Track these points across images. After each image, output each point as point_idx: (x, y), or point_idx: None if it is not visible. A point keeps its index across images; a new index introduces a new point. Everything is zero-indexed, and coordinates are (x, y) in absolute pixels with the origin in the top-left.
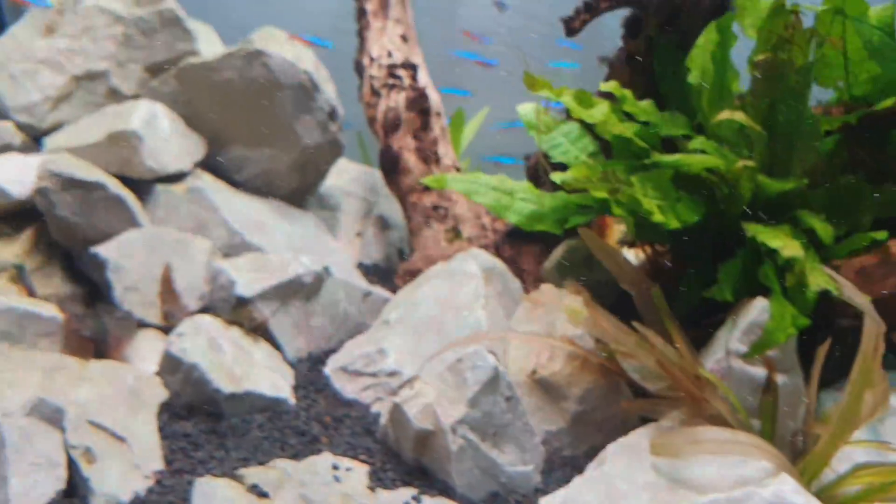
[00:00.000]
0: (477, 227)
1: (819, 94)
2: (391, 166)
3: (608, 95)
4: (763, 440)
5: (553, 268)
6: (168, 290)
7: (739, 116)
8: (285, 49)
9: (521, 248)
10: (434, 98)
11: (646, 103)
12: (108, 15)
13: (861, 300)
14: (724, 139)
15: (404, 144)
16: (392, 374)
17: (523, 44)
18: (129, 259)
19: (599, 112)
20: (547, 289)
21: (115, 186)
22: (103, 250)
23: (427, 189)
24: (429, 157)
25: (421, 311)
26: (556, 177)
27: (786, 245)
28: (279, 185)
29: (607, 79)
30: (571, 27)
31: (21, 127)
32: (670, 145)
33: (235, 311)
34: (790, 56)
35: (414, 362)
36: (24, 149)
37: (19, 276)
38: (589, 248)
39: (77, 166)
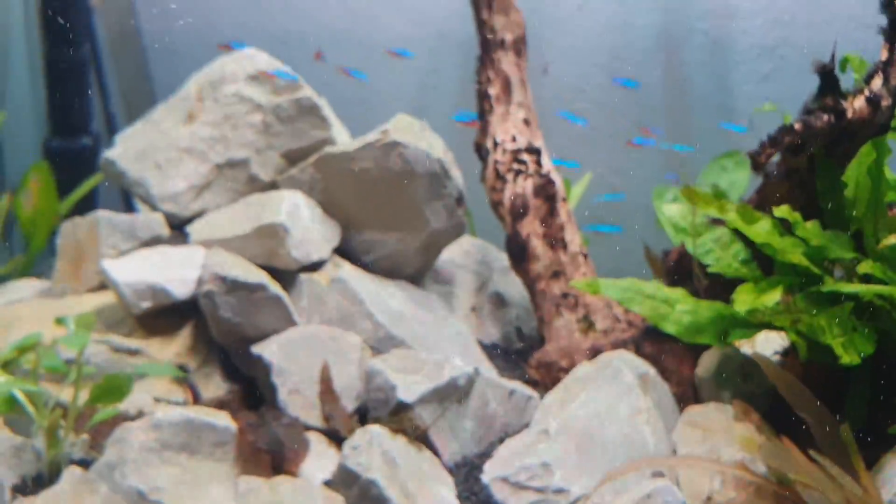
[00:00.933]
0: (609, 319)
1: None
2: (519, 253)
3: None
4: None
5: (709, 378)
6: (327, 390)
7: None
8: (419, 138)
9: (663, 346)
10: (559, 182)
11: (812, 225)
12: (248, 103)
13: None
14: (884, 258)
15: (532, 231)
16: (559, 491)
17: (611, 103)
18: (290, 361)
19: (763, 230)
20: (712, 409)
21: (274, 286)
22: (267, 353)
23: (555, 275)
24: (556, 244)
25: (580, 424)
26: (741, 306)
27: None
28: (404, 267)
29: (760, 190)
30: (758, 162)
31: (166, 216)
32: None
33: (395, 415)
34: None
35: (580, 480)
36: (172, 239)
37: (183, 377)
38: (742, 357)
39: (239, 267)
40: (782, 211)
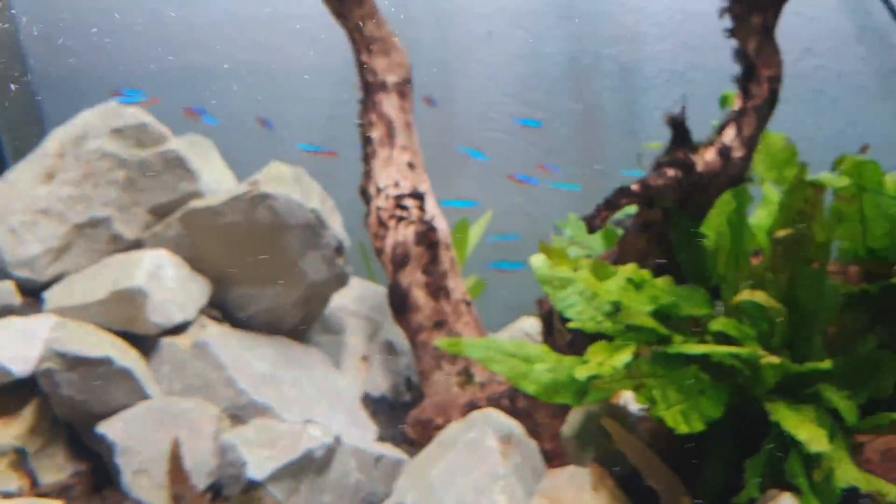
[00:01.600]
0: (489, 371)
1: None
2: (400, 304)
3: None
4: None
5: (572, 437)
6: (176, 469)
7: (759, 297)
8: (291, 188)
9: (538, 399)
10: (442, 229)
11: (663, 282)
12: (111, 159)
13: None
14: (743, 312)
15: (413, 280)
16: None
17: (522, 132)
18: (136, 439)
19: (616, 286)
20: (567, 475)
21: (122, 358)
22: (110, 432)
23: (437, 326)
24: (438, 293)
25: (436, 495)
26: (581, 373)
27: (812, 437)
28: (284, 321)
29: (620, 243)
30: (593, 225)
31: (20, 283)
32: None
33: (246, 493)
34: (810, 231)
35: None
36: (24, 307)
37: (20, 461)
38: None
39: (82, 341)
40: (628, 270)
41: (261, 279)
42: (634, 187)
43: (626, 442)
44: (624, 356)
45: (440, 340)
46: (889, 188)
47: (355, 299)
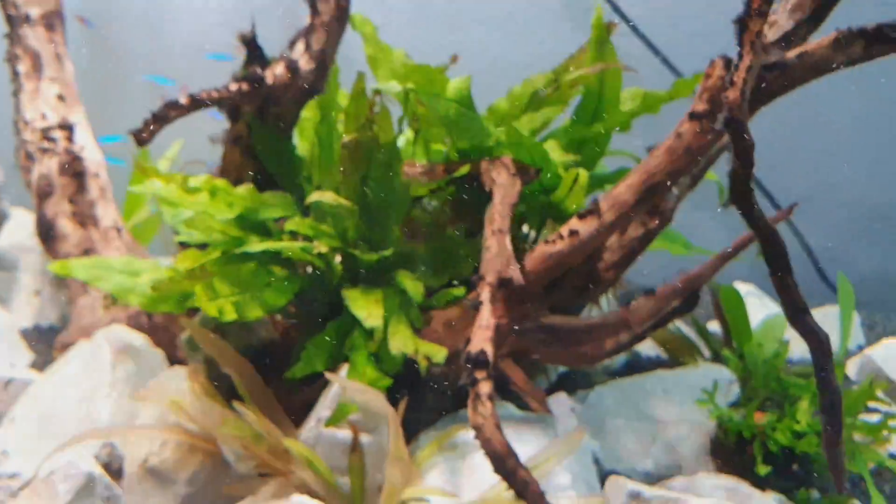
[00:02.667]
0: None
1: None
2: (46, 234)
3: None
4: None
5: (185, 342)
6: None
7: (328, 197)
8: None
9: (174, 314)
10: (92, 158)
11: (243, 189)
12: None
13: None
14: (327, 212)
15: (59, 210)
16: (13, 476)
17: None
18: None
19: (202, 201)
20: (170, 374)
21: None
22: None
23: (86, 254)
24: (86, 221)
25: (45, 405)
26: (145, 278)
27: (369, 314)
28: None
29: (222, 159)
30: (142, 139)
31: None
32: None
33: None
34: (374, 135)
35: (35, 462)
36: None
37: None
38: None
39: None
40: (199, 180)
41: None
42: (183, 99)
43: (200, 336)
44: (205, 259)
45: (50, 264)
46: (450, 93)
47: (30, 235)
